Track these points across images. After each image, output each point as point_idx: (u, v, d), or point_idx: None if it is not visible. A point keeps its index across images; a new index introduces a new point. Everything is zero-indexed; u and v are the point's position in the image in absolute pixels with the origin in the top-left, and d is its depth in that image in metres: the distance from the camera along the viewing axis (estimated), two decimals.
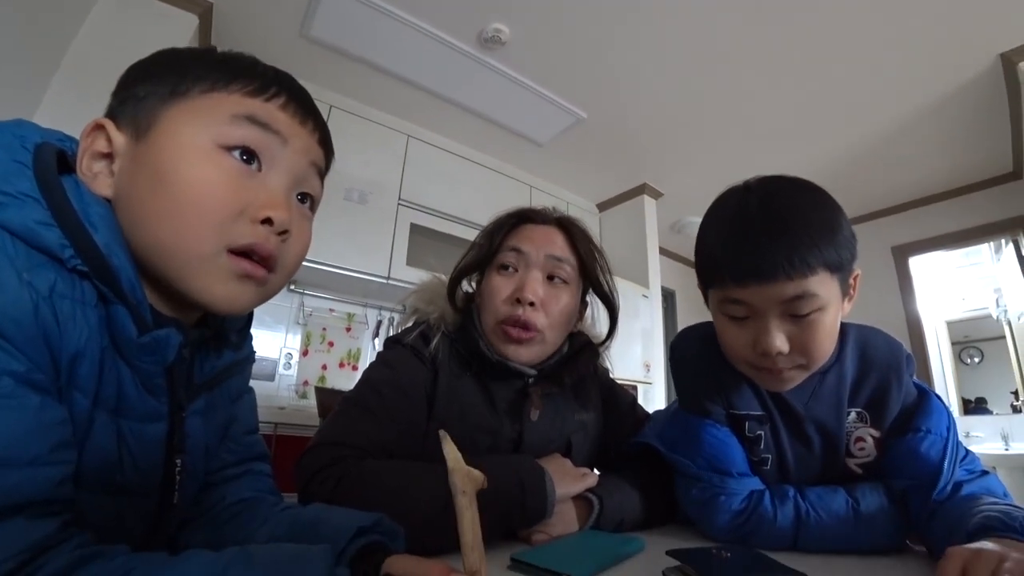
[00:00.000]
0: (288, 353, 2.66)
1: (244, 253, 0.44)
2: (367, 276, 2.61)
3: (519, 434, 0.85)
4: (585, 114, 2.77)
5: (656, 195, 3.53)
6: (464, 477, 0.35)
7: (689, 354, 0.82)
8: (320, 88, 2.64)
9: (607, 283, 0.89)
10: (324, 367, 2.76)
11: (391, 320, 2.98)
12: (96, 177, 0.43)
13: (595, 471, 0.85)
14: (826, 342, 0.65)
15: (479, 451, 0.79)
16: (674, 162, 3.20)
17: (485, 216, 3.17)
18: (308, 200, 0.51)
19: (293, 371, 2.66)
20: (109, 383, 0.41)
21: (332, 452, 0.68)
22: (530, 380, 0.87)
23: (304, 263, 1.90)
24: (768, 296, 0.62)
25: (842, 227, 0.63)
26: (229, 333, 0.54)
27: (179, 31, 2.09)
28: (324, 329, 2.79)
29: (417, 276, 2.82)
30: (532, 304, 0.81)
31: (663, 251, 3.73)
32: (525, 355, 0.83)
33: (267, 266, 0.46)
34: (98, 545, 0.34)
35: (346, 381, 2.78)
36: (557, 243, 0.86)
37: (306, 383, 2.68)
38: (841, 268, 0.62)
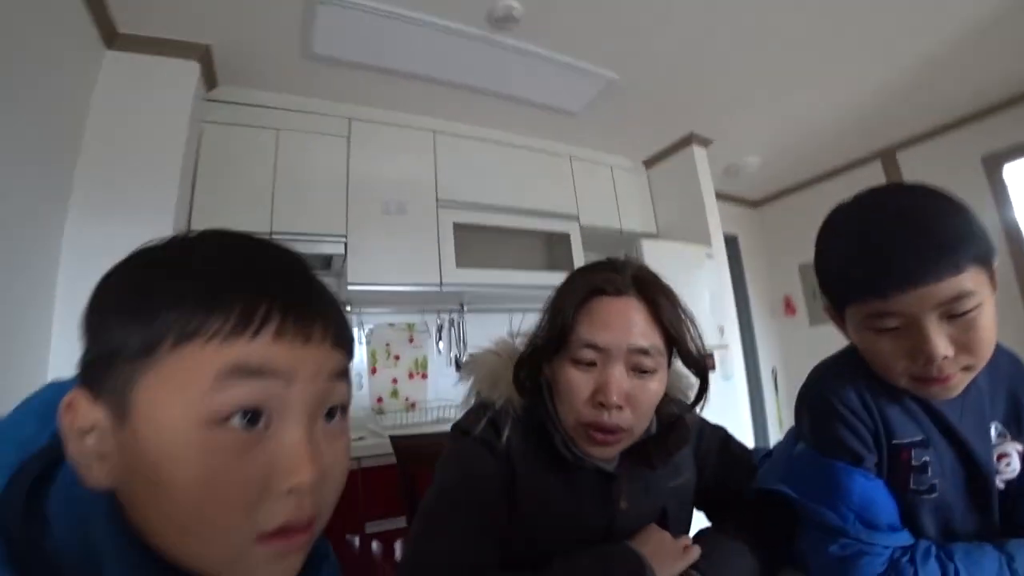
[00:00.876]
0: (358, 374, 2.69)
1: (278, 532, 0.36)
2: (419, 288, 2.57)
3: (609, 522, 0.78)
4: (616, 75, 2.56)
5: (705, 143, 3.27)
6: None
7: (829, 395, 0.73)
8: (335, 103, 2.55)
9: (696, 349, 0.77)
10: (395, 381, 2.77)
11: (451, 321, 2.95)
12: (90, 465, 0.35)
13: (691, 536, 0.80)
14: (989, 338, 0.62)
15: (566, 542, 0.73)
16: (719, 106, 2.93)
17: (529, 199, 3.02)
18: (337, 411, 0.41)
19: (365, 390, 2.69)
20: None
21: None
22: (614, 469, 0.79)
23: (357, 287, 1.97)
24: (921, 301, 0.60)
25: (974, 218, 0.61)
26: None
27: (183, 81, 2.05)
28: (387, 344, 2.79)
29: (469, 276, 2.76)
30: (619, 407, 0.72)
31: (720, 195, 3.48)
32: (611, 453, 0.76)
33: (307, 530, 0.38)
34: None
35: (419, 391, 2.80)
36: (639, 326, 0.74)
37: (380, 400, 2.71)
38: (988, 260, 0.61)
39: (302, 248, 2.25)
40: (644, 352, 0.73)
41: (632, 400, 0.73)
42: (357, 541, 1.91)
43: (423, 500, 0.78)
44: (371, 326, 2.77)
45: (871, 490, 0.68)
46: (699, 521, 0.90)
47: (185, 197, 2.09)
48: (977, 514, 0.68)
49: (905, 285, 0.59)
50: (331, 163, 2.50)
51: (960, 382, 0.64)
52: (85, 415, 0.35)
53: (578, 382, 0.74)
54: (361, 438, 2.21)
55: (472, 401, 0.84)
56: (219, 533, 0.35)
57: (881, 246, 0.61)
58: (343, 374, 0.41)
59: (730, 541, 0.76)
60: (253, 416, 0.35)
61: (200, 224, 2.13)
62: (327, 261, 2.52)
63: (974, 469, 0.67)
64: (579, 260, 3.00)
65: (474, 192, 2.82)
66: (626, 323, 0.73)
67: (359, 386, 2.67)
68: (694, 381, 0.80)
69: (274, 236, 2.28)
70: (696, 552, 0.74)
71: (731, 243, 3.95)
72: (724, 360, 2.98)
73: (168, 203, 1.91)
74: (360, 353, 2.73)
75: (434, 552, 0.71)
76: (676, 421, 0.82)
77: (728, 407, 2.87)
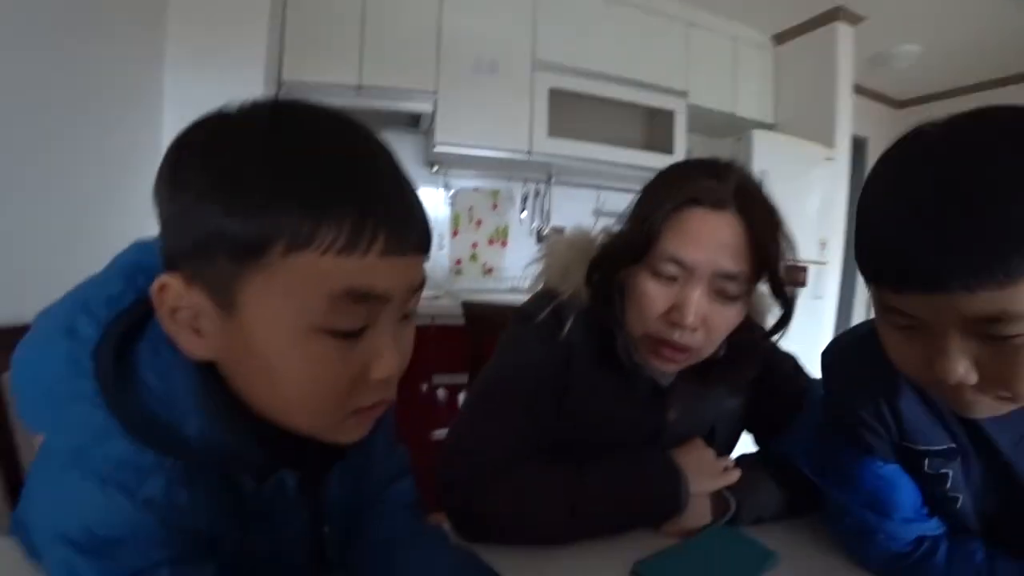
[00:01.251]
0: (440, 234, 2.75)
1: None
2: (507, 154, 2.50)
3: (656, 432, 0.79)
4: None
5: (854, 20, 2.76)
6: None
7: (844, 370, 0.66)
8: None
9: (788, 279, 0.71)
10: (474, 245, 2.83)
11: (537, 191, 2.90)
12: (187, 338, 0.38)
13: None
14: None
15: (613, 442, 0.74)
16: None
17: (634, 68, 2.78)
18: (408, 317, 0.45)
19: (445, 251, 2.77)
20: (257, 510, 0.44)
21: (465, 462, 0.70)
22: (669, 384, 0.78)
23: (443, 148, 2.09)
24: (943, 310, 0.42)
25: None
26: None
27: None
28: (471, 208, 2.80)
29: (560, 147, 2.65)
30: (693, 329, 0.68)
31: (858, 89, 3.04)
32: (674, 369, 0.74)
33: (389, 403, 0.44)
34: None
35: (498, 258, 2.86)
36: (732, 248, 0.67)
37: (459, 262, 2.79)
38: None
39: (389, 104, 2.31)
40: (731, 277, 0.67)
41: (708, 324, 0.68)
42: (424, 388, 2.08)
43: (477, 380, 0.79)
44: (456, 189, 2.77)
45: (883, 479, 0.62)
46: (745, 444, 0.90)
47: (275, 51, 2.08)
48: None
49: (920, 288, 0.43)
50: (421, 16, 2.37)
51: (990, 408, 0.48)
52: (179, 297, 0.36)
53: (655, 295, 0.69)
54: (437, 297, 2.31)
55: (540, 287, 0.83)
56: (319, 414, 0.41)
57: (904, 223, 0.43)
58: (422, 284, 0.43)
59: (767, 477, 0.75)
60: (357, 331, 0.38)
61: (290, 76, 2.18)
62: (415, 119, 2.49)
63: (1014, 487, 0.57)
64: (680, 143, 2.79)
65: (574, 56, 2.61)
66: (718, 243, 0.67)
67: (440, 247, 2.75)
68: (775, 307, 0.75)
69: (362, 90, 2.26)
70: (735, 475, 0.73)
71: (859, 147, 3.48)
72: (819, 278, 2.78)
73: (258, 57, 1.91)
74: (444, 214, 2.77)
75: (480, 435, 0.73)
76: (747, 349, 0.78)
77: (812, 328, 2.71)
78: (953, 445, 0.58)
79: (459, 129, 2.40)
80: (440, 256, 2.75)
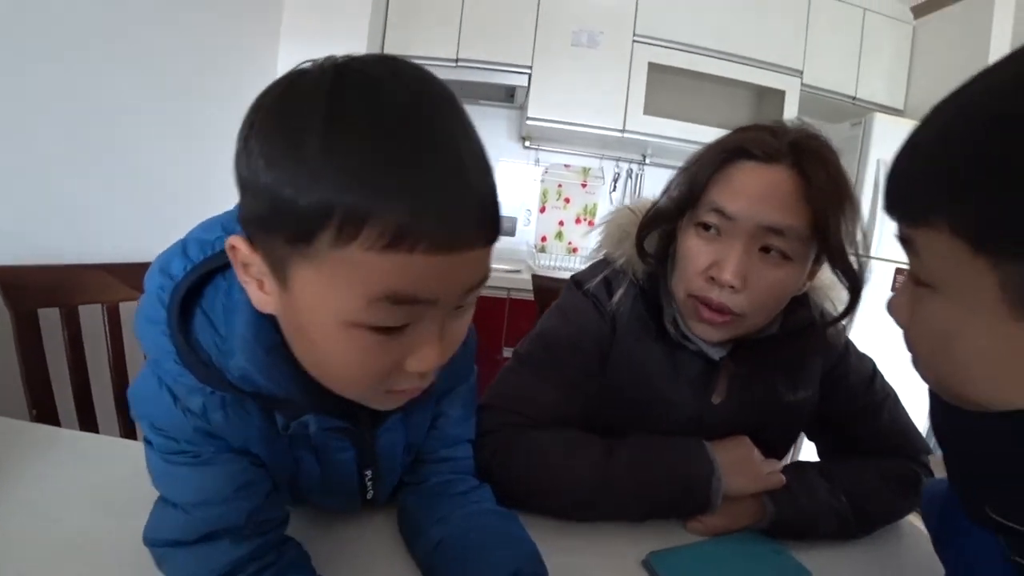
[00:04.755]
0: (527, 209, 2.76)
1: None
2: (601, 130, 2.44)
3: (699, 413, 0.74)
4: None
5: None
6: None
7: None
8: None
9: (855, 253, 0.64)
10: (561, 223, 2.82)
11: (629, 172, 2.82)
12: (255, 292, 0.40)
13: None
14: None
15: (656, 425, 0.71)
16: None
17: (744, 43, 2.62)
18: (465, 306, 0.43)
19: (532, 227, 2.78)
20: (295, 444, 0.50)
21: (497, 418, 0.69)
22: (720, 358, 0.73)
23: (535, 122, 2.17)
24: None
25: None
26: None
27: None
28: (560, 185, 2.79)
29: (656, 125, 2.57)
30: (732, 287, 0.63)
31: None
32: (716, 336, 0.69)
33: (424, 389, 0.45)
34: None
35: (584, 237, 2.81)
36: (780, 200, 0.62)
37: (544, 239, 2.79)
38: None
39: (485, 78, 2.33)
40: (778, 232, 0.62)
41: (750, 283, 0.63)
42: (498, 359, 2.12)
43: (523, 340, 0.79)
44: (547, 165, 2.76)
45: None
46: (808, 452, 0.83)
47: (378, 25, 2.18)
48: None
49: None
50: None
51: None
52: (246, 257, 0.38)
53: (697, 250, 0.66)
54: (517, 271, 2.33)
55: (600, 256, 0.81)
56: (354, 389, 0.43)
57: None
58: (483, 280, 0.41)
59: (821, 489, 0.68)
60: (399, 327, 0.38)
61: (391, 50, 2.27)
62: (510, 92, 2.50)
63: None
64: None
65: (679, 30, 2.48)
66: (765, 194, 0.62)
67: (526, 222, 2.76)
68: (845, 294, 0.67)
69: (460, 64, 2.30)
70: (778, 481, 0.67)
71: None
72: None
73: (361, 31, 2.01)
74: (534, 189, 2.77)
75: (515, 395, 0.73)
76: (806, 328, 0.72)
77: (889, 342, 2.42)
78: None
79: (553, 103, 2.39)
80: (526, 232, 2.76)
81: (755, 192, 0.63)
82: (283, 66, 1.91)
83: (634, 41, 2.45)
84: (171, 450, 0.45)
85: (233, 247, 0.38)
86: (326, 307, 0.36)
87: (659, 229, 0.73)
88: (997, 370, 0.35)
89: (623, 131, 2.45)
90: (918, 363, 0.42)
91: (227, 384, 0.43)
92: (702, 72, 2.52)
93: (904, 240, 0.38)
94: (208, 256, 0.44)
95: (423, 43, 2.31)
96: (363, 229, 0.32)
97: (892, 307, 0.43)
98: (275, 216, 0.34)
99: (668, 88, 2.52)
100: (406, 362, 0.40)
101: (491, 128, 2.74)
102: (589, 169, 2.81)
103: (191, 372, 0.42)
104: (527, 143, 2.71)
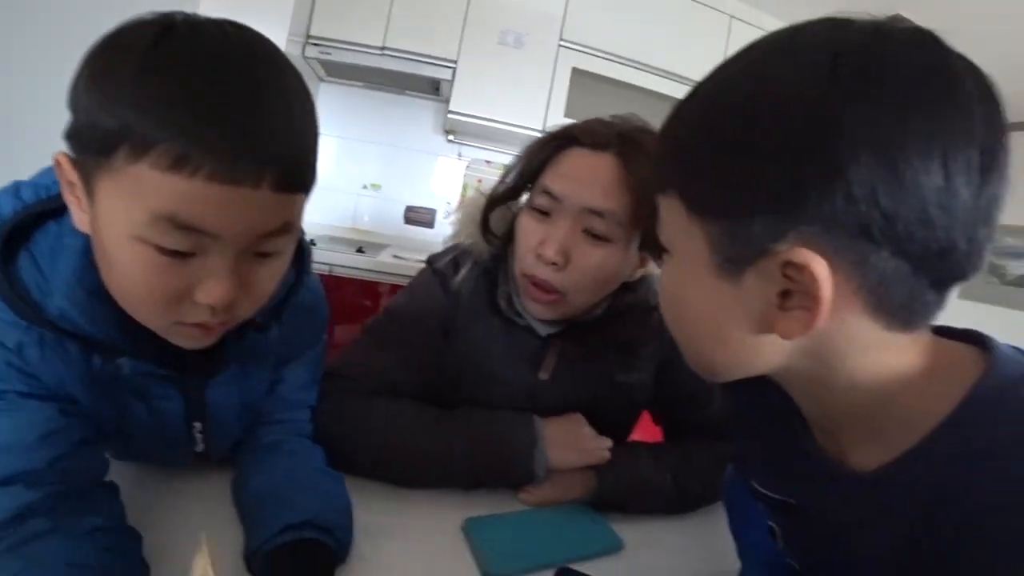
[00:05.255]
0: (448, 202, 2.79)
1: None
2: (522, 129, 2.49)
3: (531, 390, 0.78)
4: None
5: None
6: None
7: None
8: None
9: None
10: None
11: None
12: (76, 211, 0.42)
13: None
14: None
15: (491, 400, 0.74)
16: None
17: (667, 58, 2.72)
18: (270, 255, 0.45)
19: (452, 218, 2.78)
20: (117, 388, 0.50)
21: (336, 384, 0.72)
22: (547, 336, 0.77)
23: (457, 116, 2.17)
24: None
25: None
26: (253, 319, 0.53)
27: None
28: (480, 180, 2.81)
29: None
30: (554, 263, 0.68)
31: None
32: (545, 313, 0.74)
33: (220, 326, 0.46)
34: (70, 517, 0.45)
35: None
36: (603, 185, 0.67)
37: None
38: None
39: (410, 68, 2.33)
40: (599, 214, 0.67)
41: (572, 262, 0.68)
42: None
43: (373, 316, 0.82)
44: (469, 160, 2.79)
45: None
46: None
47: (304, 6, 2.15)
48: None
49: None
50: None
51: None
52: (69, 174, 0.41)
53: (528, 230, 0.71)
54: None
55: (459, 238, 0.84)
56: (143, 313, 0.44)
57: None
58: (281, 230, 0.42)
59: (648, 466, 0.72)
60: (179, 252, 0.39)
61: (317, 32, 2.23)
62: (436, 85, 2.52)
63: None
64: None
65: (605, 39, 2.56)
66: (589, 179, 0.67)
67: (445, 214, 2.78)
68: None
69: (386, 53, 2.29)
70: (602, 456, 0.72)
71: None
72: None
73: (283, 12, 1.97)
74: (456, 183, 2.80)
75: (355, 364, 0.75)
76: (629, 311, 0.77)
77: None
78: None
79: (475, 99, 2.41)
80: (444, 224, 2.78)
81: (580, 176, 0.68)
82: None
83: (560, 46, 2.50)
84: None
85: (59, 163, 0.41)
86: (118, 219, 0.39)
87: (501, 211, 0.77)
88: (716, 329, 0.39)
89: (543, 131, 2.49)
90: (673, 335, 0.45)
91: (45, 321, 0.44)
92: (624, 82, 2.61)
93: (654, 210, 0.43)
94: (41, 199, 0.46)
95: (350, 29, 2.29)
96: (153, 149, 0.35)
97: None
98: (87, 131, 0.38)
99: (591, 93, 2.59)
100: (195, 293, 0.41)
101: (417, 120, 2.75)
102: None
103: (9, 307, 0.43)
104: (451, 137, 2.73)
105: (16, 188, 0.47)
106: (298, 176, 0.41)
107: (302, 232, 0.56)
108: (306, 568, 0.49)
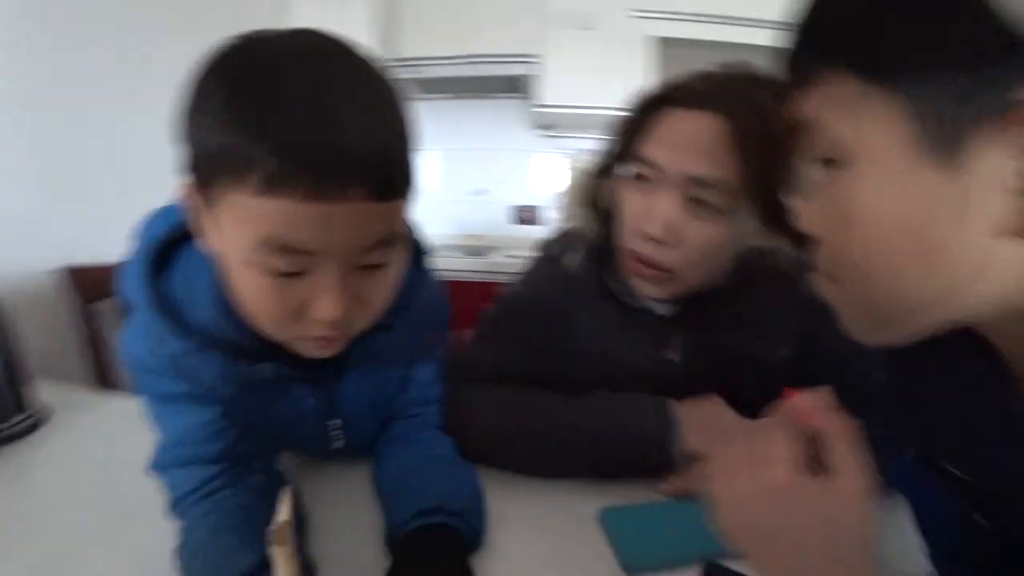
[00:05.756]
0: (550, 197, 2.78)
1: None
2: (616, 111, 2.40)
3: (659, 372, 0.73)
4: None
5: None
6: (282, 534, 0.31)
7: None
8: None
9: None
10: None
11: None
12: (205, 234, 0.45)
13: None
14: None
15: (614, 384, 0.70)
16: None
17: (755, 8, 2.40)
18: (379, 267, 0.45)
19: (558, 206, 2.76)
20: (262, 389, 0.55)
21: (458, 375, 0.71)
22: (668, 314, 0.72)
23: (547, 109, 2.20)
24: None
25: None
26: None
27: None
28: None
29: None
30: (659, 240, 0.63)
31: None
32: (652, 291, 0.68)
33: (341, 338, 0.48)
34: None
35: None
36: (706, 149, 0.59)
37: None
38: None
39: (490, 70, 2.38)
40: (703, 184, 0.60)
41: (680, 238, 0.62)
42: None
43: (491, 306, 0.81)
44: (571, 151, 2.74)
45: None
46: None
47: (380, 27, 2.26)
48: None
49: None
50: None
51: None
52: (192, 198, 0.43)
53: (630, 204, 0.66)
54: None
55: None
56: (269, 328, 0.46)
57: None
58: (383, 241, 0.42)
59: None
60: (287, 272, 0.41)
61: (407, 51, 2.34)
62: (515, 83, 2.52)
63: None
64: None
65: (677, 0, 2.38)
66: (689, 143, 0.60)
67: (551, 208, 2.76)
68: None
69: (471, 59, 2.39)
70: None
71: None
72: None
73: (361, 35, 2.07)
74: (558, 176, 2.79)
75: (473, 356, 0.75)
76: (758, 276, 0.68)
77: None
78: None
79: (561, 89, 2.38)
80: (550, 220, 2.77)
81: (679, 141, 0.61)
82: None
83: (635, 16, 2.38)
84: (154, 392, 0.53)
85: (182, 191, 0.43)
86: (230, 245, 0.41)
87: (607, 188, 0.72)
88: (922, 247, 0.30)
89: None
90: (823, 270, 0.39)
91: (193, 332, 0.49)
92: (716, 41, 2.41)
93: (801, 124, 0.35)
94: (188, 219, 0.49)
95: (432, 43, 2.41)
96: (249, 175, 0.36)
97: (802, 215, 0.38)
98: (193, 160, 0.40)
99: (683, 60, 2.43)
100: (310, 310, 0.42)
101: (506, 121, 2.80)
102: None
103: (164, 320, 0.48)
104: (546, 132, 2.72)
105: (166, 210, 0.53)
106: (388, 185, 0.40)
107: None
108: (438, 551, 0.51)
